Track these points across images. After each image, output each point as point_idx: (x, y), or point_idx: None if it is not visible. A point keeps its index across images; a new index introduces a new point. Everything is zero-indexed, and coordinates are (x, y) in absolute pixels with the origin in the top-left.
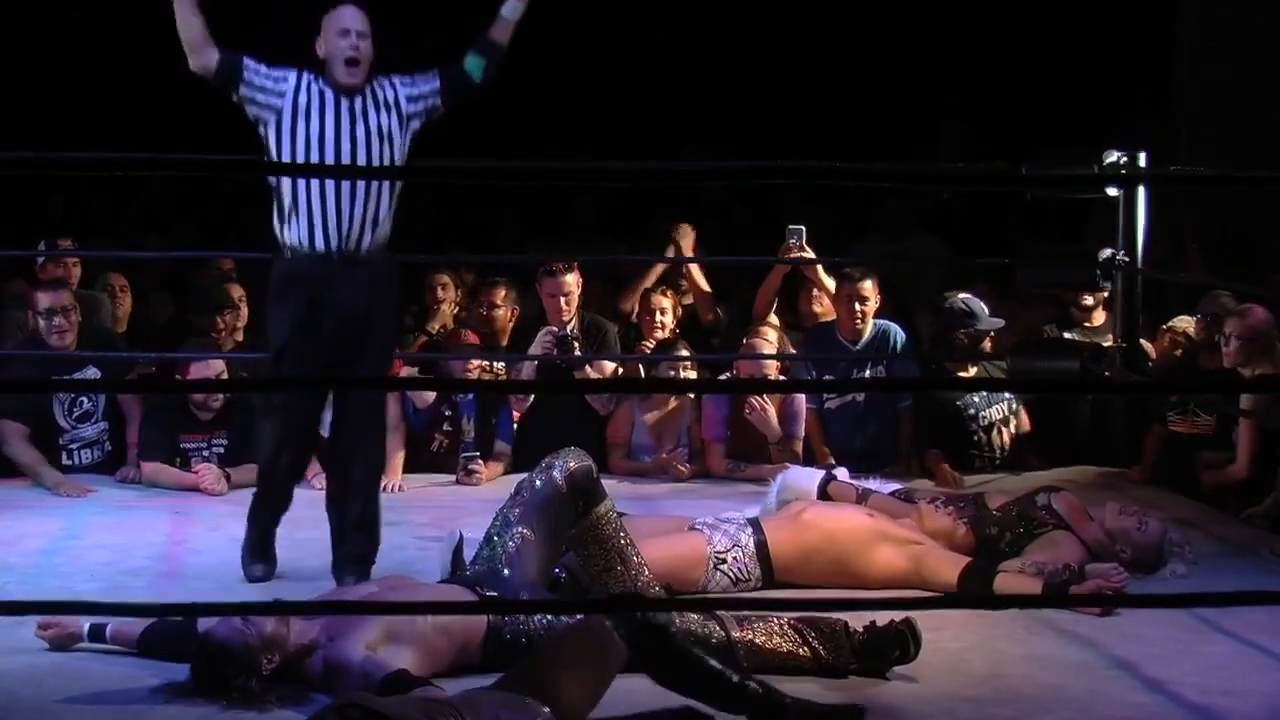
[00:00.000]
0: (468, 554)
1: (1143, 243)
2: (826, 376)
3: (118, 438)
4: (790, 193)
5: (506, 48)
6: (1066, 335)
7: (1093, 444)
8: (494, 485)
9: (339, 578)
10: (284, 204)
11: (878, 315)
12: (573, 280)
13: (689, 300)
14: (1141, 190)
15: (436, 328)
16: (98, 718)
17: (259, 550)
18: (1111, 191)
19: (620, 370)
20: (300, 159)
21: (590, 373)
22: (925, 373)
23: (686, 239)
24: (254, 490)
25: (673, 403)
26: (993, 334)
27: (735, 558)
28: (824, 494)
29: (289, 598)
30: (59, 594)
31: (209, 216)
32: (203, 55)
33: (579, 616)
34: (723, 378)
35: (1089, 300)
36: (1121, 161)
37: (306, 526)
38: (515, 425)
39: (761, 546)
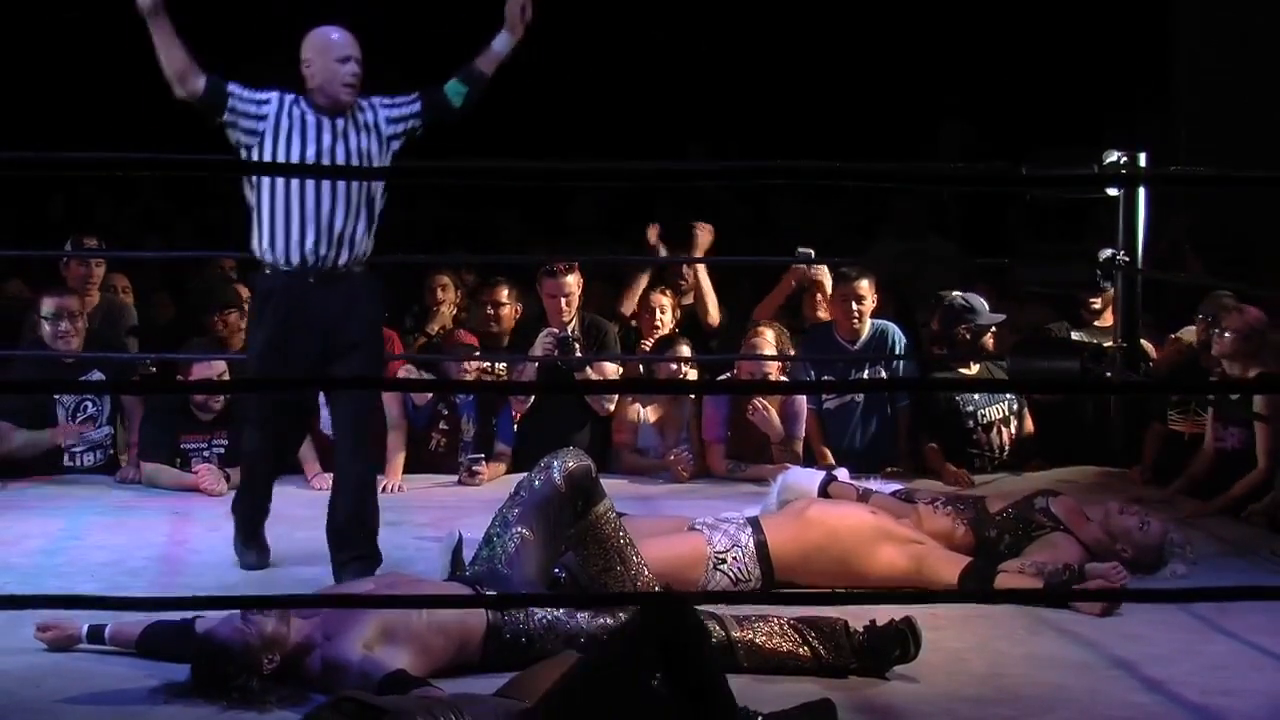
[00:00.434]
0: (467, 554)
1: (1143, 243)
2: (825, 377)
3: (118, 437)
4: (791, 193)
5: (490, 78)
6: (1075, 335)
7: (1093, 444)
8: (494, 485)
9: (339, 580)
10: (262, 221)
11: (876, 315)
12: (573, 281)
13: (689, 300)
14: (1141, 190)
15: (436, 329)
16: (98, 718)
17: (249, 539)
18: (1111, 191)
19: (620, 371)
20: (282, 183)
21: (590, 373)
22: (924, 371)
23: (705, 235)
24: (239, 483)
25: (674, 399)
26: (994, 330)
27: (735, 558)
28: (824, 494)
29: None
30: (59, 594)
31: (209, 216)
32: (188, 82)
33: (578, 619)
34: (723, 378)
35: (1097, 304)
36: (1121, 161)
37: (306, 526)
38: (515, 426)
39: (761, 546)
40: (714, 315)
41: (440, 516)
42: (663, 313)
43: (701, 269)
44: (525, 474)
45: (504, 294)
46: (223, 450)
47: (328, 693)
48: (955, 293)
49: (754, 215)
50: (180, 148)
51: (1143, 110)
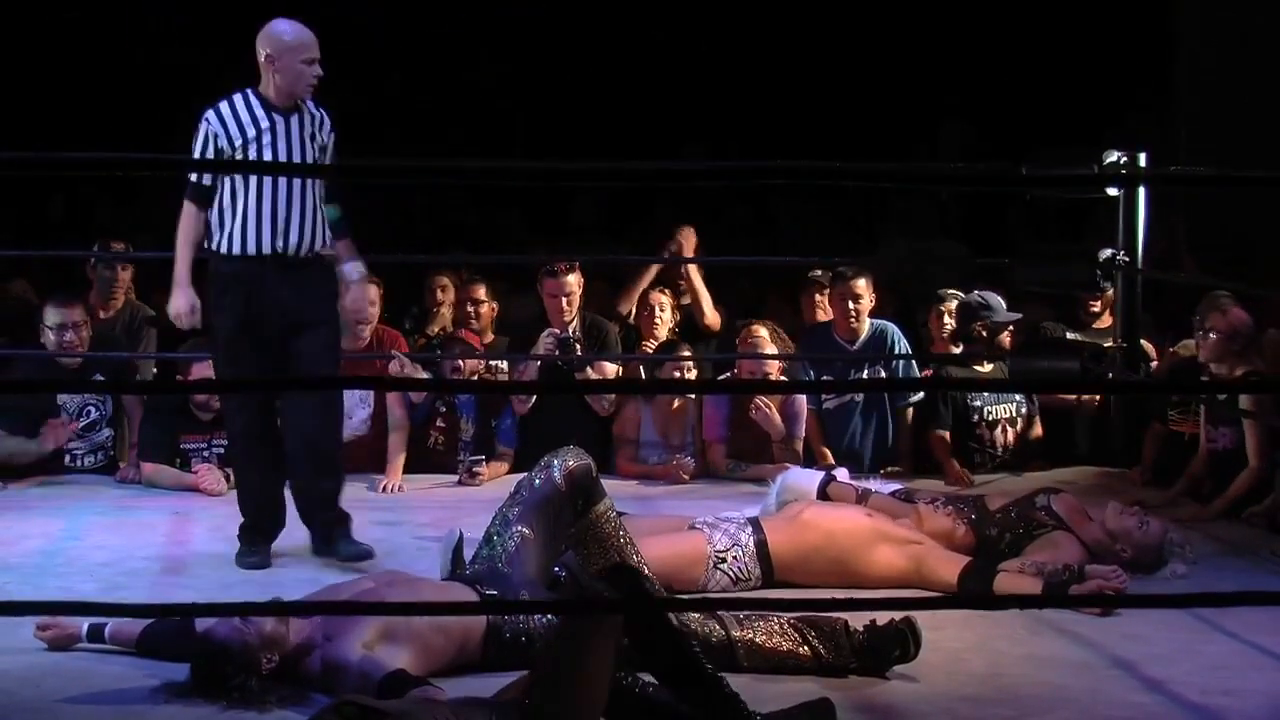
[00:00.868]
0: (467, 553)
1: (1143, 243)
2: (824, 377)
3: (121, 441)
4: (790, 193)
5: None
6: (1070, 335)
7: (1093, 444)
8: (494, 485)
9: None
10: (224, 209)
11: (876, 315)
12: (574, 280)
13: (687, 300)
14: (1141, 190)
15: (436, 330)
16: (98, 718)
17: (247, 540)
18: (1111, 191)
19: (621, 371)
20: (254, 180)
21: (591, 374)
22: (924, 365)
23: (689, 241)
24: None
25: (677, 399)
26: (1012, 328)
27: (735, 557)
28: (824, 494)
29: (287, 597)
30: (59, 594)
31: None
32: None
33: None
34: (723, 378)
35: (1096, 306)
36: (1121, 161)
37: (304, 526)
38: (517, 426)
39: (761, 546)
40: (711, 318)
41: (440, 516)
42: (662, 311)
43: (694, 273)
44: (525, 473)
45: (481, 292)
46: (222, 450)
47: (328, 693)
48: (975, 291)
49: (754, 215)
50: (180, 148)
51: (1143, 110)
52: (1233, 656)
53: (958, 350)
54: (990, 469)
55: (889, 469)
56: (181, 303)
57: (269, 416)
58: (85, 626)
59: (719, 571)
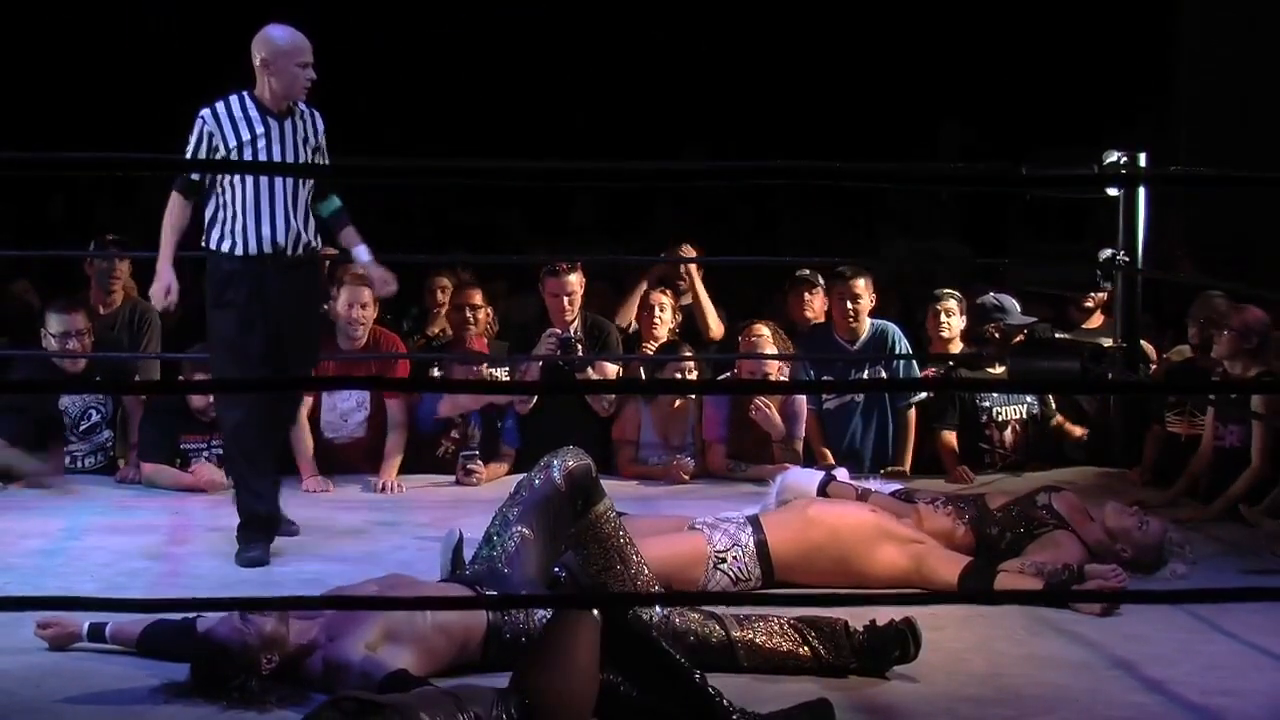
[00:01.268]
0: (467, 554)
1: (1143, 243)
2: (825, 377)
3: (121, 442)
4: (791, 193)
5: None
6: (1058, 336)
7: (1093, 445)
8: (494, 485)
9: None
10: (220, 209)
11: (876, 315)
12: (575, 280)
13: (687, 299)
14: (1141, 190)
15: (436, 331)
16: (98, 718)
17: (246, 538)
18: (1111, 191)
19: (621, 371)
20: (246, 174)
21: (592, 374)
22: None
23: (688, 255)
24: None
25: (678, 400)
26: (1025, 330)
27: (735, 557)
28: (824, 494)
29: None
30: (59, 594)
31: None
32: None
33: None
34: (723, 377)
35: (1090, 303)
36: (1121, 161)
37: (304, 527)
38: (519, 427)
39: (762, 545)
40: (715, 330)
41: (440, 516)
42: (662, 311)
43: (698, 283)
44: (525, 474)
45: (478, 297)
46: (221, 450)
47: (329, 693)
48: (990, 294)
49: (754, 215)
50: (180, 148)
51: (1143, 110)
52: (1233, 656)
53: (957, 350)
54: (998, 469)
55: (889, 469)
56: (159, 285)
57: (265, 414)
58: (85, 626)
59: (719, 572)
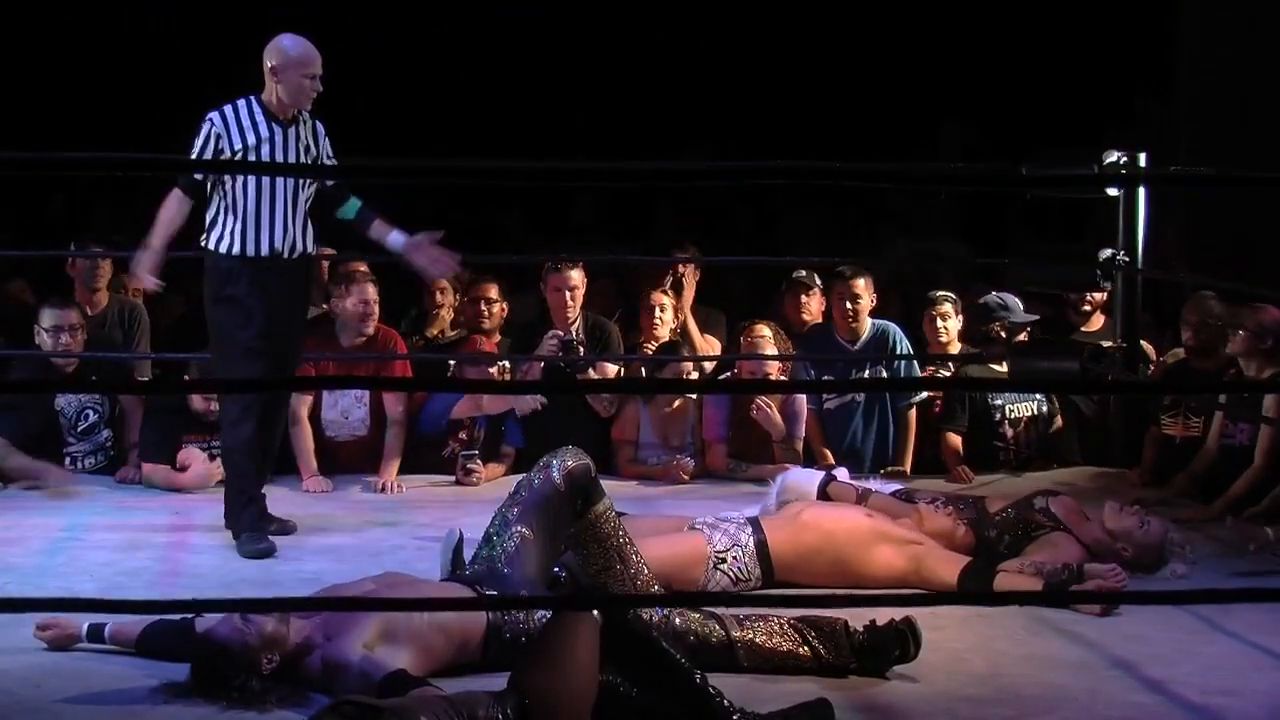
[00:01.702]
0: (467, 554)
1: (1143, 243)
2: (825, 377)
3: (120, 441)
4: (792, 193)
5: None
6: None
7: (1092, 445)
8: (494, 485)
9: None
10: (222, 211)
11: (878, 315)
12: (578, 276)
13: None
14: (1141, 190)
15: (434, 332)
16: (98, 718)
17: (246, 526)
18: (1111, 191)
19: (621, 372)
20: (249, 181)
21: (593, 375)
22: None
23: (689, 278)
24: (229, 476)
25: (677, 400)
26: (1029, 328)
27: (735, 557)
28: (824, 495)
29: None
30: (59, 594)
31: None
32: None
33: None
34: (723, 377)
35: (1087, 306)
36: (1121, 161)
37: (305, 527)
38: (520, 427)
39: (761, 546)
40: (701, 349)
41: (440, 516)
42: (662, 311)
43: (688, 314)
44: (525, 474)
45: (494, 291)
46: (220, 445)
47: (328, 693)
48: (993, 292)
49: (754, 215)
50: (180, 148)
51: (1143, 110)
52: (1233, 656)
53: (956, 350)
54: (1013, 466)
55: (889, 469)
56: (144, 263)
57: (264, 409)
58: (85, 626)
59: (719, 572)
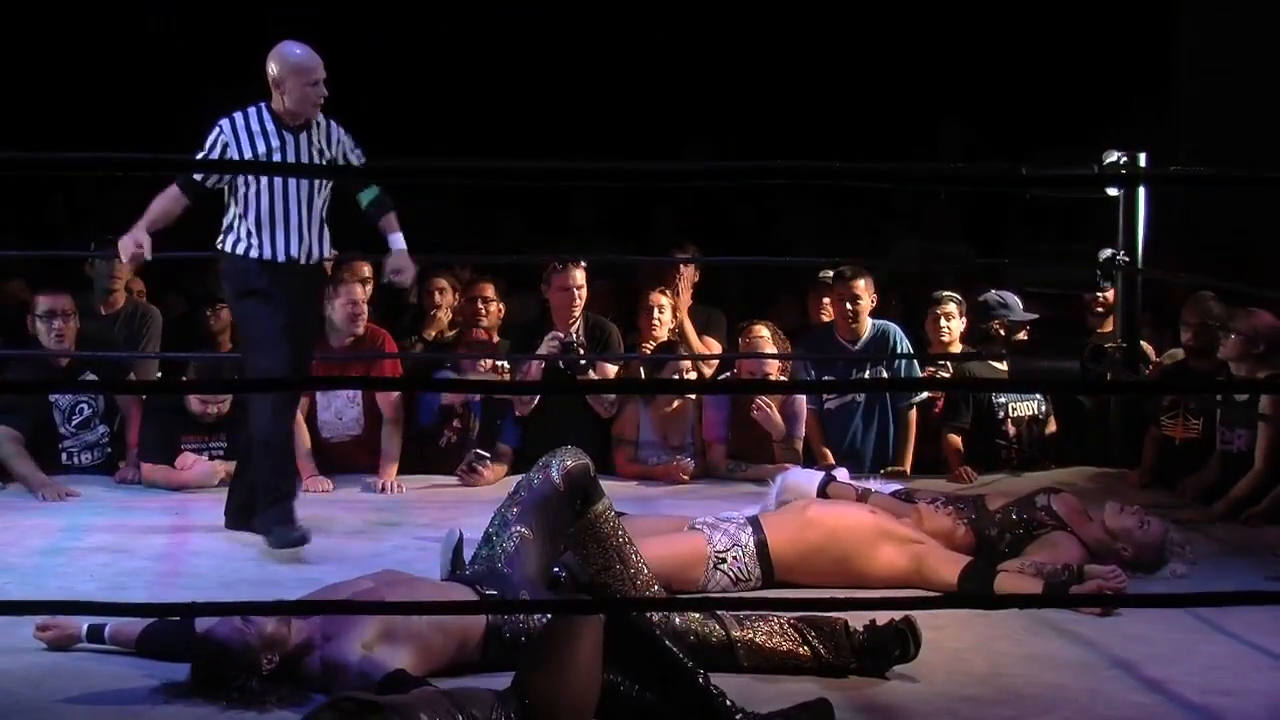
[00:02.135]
0: (467, 554)
1: (1143, 243)
2: (826, 377)
3: (118, 439)
4: (793, 193)
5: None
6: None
7: (1092, 445)
8: (494, 485)
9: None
10: (240, 221)
11: (878, 315)
12: (580, 275)
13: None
14: (1142, 190)
15: (433, 333)
16: (98, 718)
17: (282, 517)
18: (1111, 191)
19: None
20: (263, 186)
21: (594, 376)
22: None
23: (686, 279)
24: (266, 470)
25: (677, 400)
26: (1029, 326)
27: (735, 557)
28: (824, 494)
29: (287, 598)
30: (59, 594)
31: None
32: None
33: None
34: (722, 377)
35: (1100, 307)
36: (1121, 161)
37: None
38: (518, 427)
39: (762, 546)
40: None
41: (440, 516)
42: (661, 312)
43: (685, 318)
44: (525, 474)
45: (490, 290)
46: (221, 452)
47: (328, 693)
48: (993, 291)
49: (754, 215)
50: (180, 148)
51: (1143, 110)
52: (1233, 656)
53: (957, 350)
54: (1015, 464)
55: (889, 469)
56: (129, 238)
57: (291, 407)
58: (85, 627)
59: (719, 572)
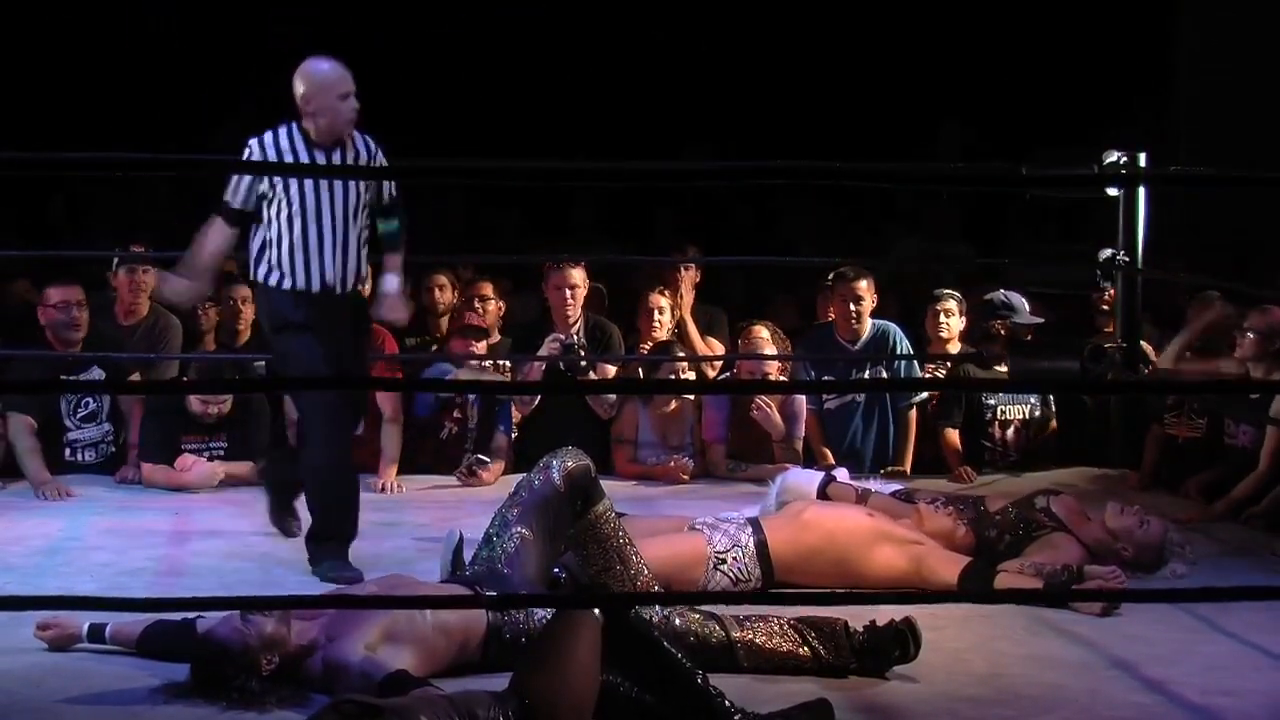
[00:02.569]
0: (467, 554)
1: (1143, 243)
2: (826, 377)
3: (120, 439)
4: (793, 193)
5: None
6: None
7: (1092, 445)
8: (494, 485)
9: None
10: (272, 247)
11: (878, 315)
12: (579, 275)
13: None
14: (1142, 190)
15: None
16: (98, 718)
17: (333, 553)
18: (1111, 191)
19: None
20: (294, 211)
21: (594, 377)
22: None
23: (687, 282)
24: (318, 502)
25: (674, 401)
26: (1033, 329)
27: (735, 558)
28: (824, 495)
29: None
30: (59, 594)
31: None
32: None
33: None
34: (722, 377)
35: (1107, 306)
36: (1121, 161)
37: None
38: (518, 427)
39: (761, 546)
40: (700, 349)
41: (440, 516)
42: (661, 313)
43: (688, 318)
44: (525, 474)
45: (489, 289)
46: (221, 452)
47: (328, 693)
48: (999, 291)
49: (754, 215)
50: (180, 148)
51: (1143, 110)
52: (1233, 656)
53: (956, 351)
54: (999, 469)
55: (889, 469)
56: (181, 290)
57: (349, 451)
58: (85, 626)
59: (719, 572)
